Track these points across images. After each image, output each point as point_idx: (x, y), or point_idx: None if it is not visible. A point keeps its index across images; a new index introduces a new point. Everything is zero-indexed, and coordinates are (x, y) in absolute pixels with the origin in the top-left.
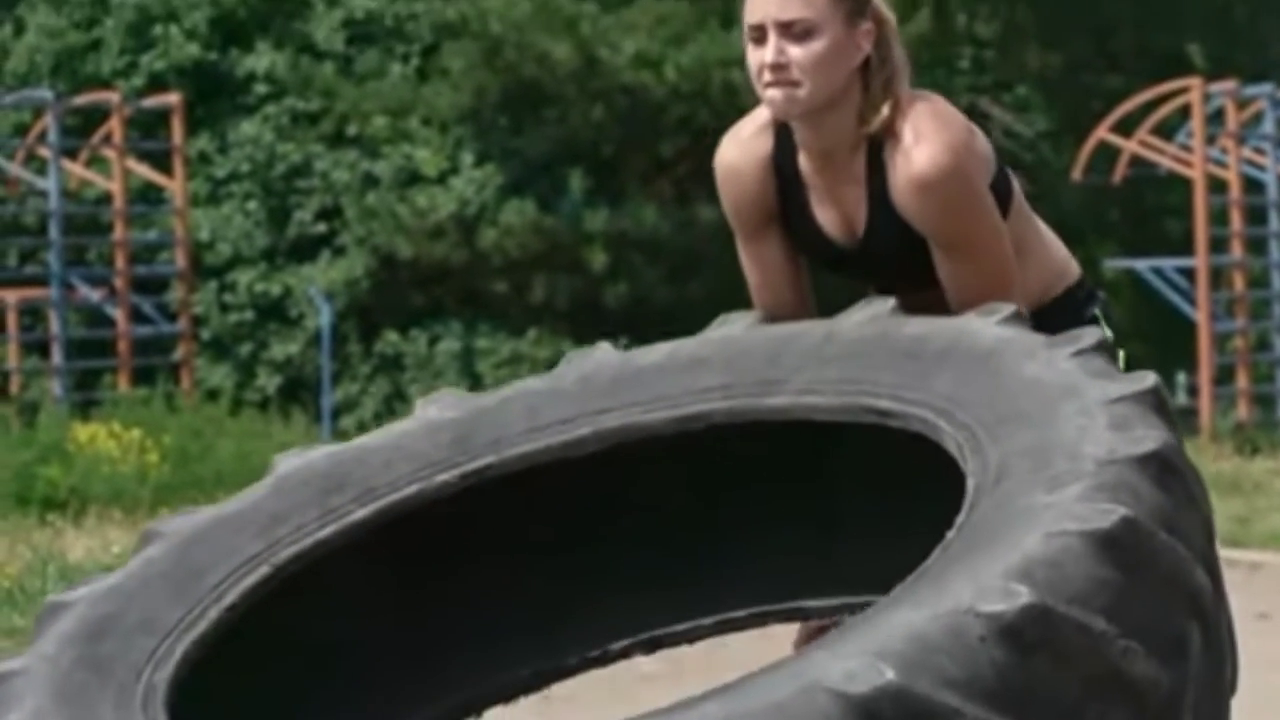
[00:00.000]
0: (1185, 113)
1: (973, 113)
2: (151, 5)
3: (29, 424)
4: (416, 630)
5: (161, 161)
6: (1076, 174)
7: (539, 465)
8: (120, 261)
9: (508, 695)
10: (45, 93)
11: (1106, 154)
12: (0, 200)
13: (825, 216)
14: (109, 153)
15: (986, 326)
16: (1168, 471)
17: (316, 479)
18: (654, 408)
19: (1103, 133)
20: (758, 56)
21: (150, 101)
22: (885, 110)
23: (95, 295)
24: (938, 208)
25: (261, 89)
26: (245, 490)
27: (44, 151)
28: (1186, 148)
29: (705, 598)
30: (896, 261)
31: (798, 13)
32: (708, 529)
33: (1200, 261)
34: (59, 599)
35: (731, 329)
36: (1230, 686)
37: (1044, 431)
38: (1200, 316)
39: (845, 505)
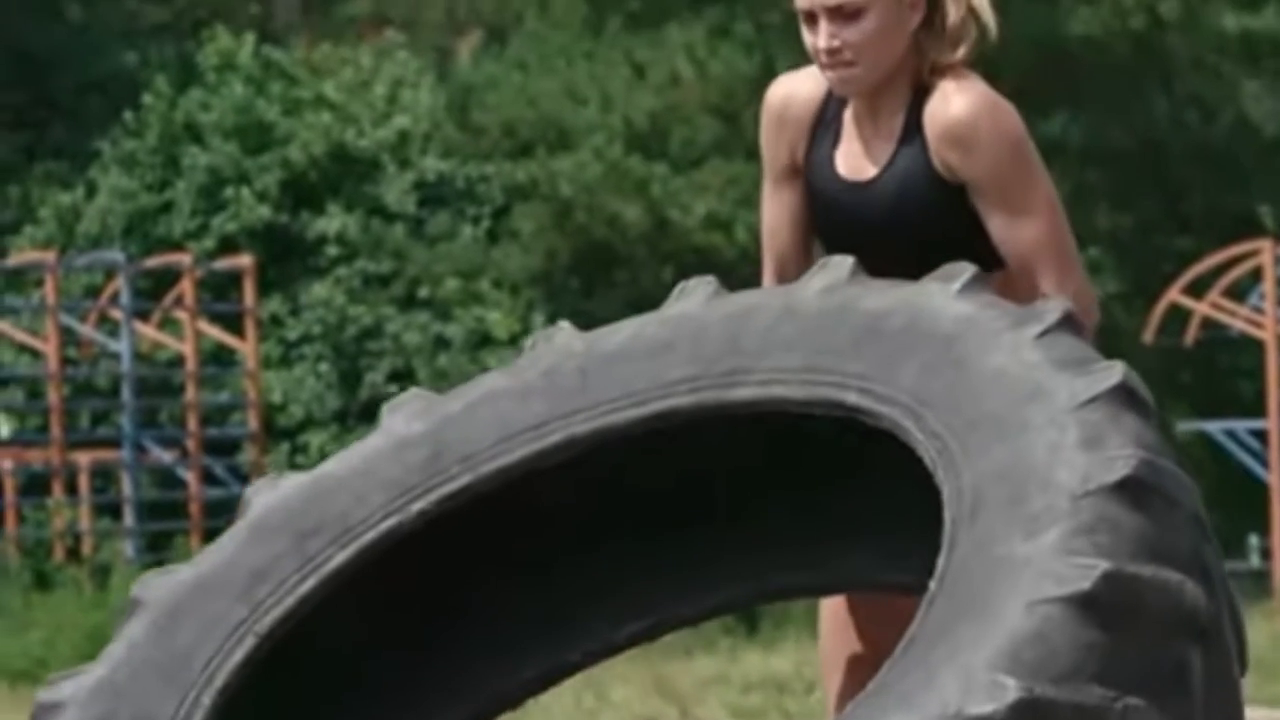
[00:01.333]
0: (1257, 275)
1: None
2: (223, 167)
3: (101, 586)
4: (413, 665)
5: (233, 323)
6: (1148, 336)
7: (514, 480)
8: (192, 423)
9: (513, 703)
10: (117, 255)
11: (1178, 316)
12: (72, 362)
13: (844, 156)
14: (181, 315)
15: (946, 302)
16: (1146, 490)
17: (292, 520)
18: (622, 405)
19: (1174, 295)
20: (811, 39)
21: (222, 263)
22: (936, 77)
23: (167, 457)
24: (980, 150)
25: (333, 251)
26: (223, 537)
27: (116, 313)
28: (1258, 310)
29: (703, 583)
30: (891, 217)
31: None
32: (690, 521)
33: (1273, 423)
34: (49, 698)
35: (690, 303)
36: (1241, 668)
37: (1014, 446)
38: (1273, 479)
39: (820, 491)
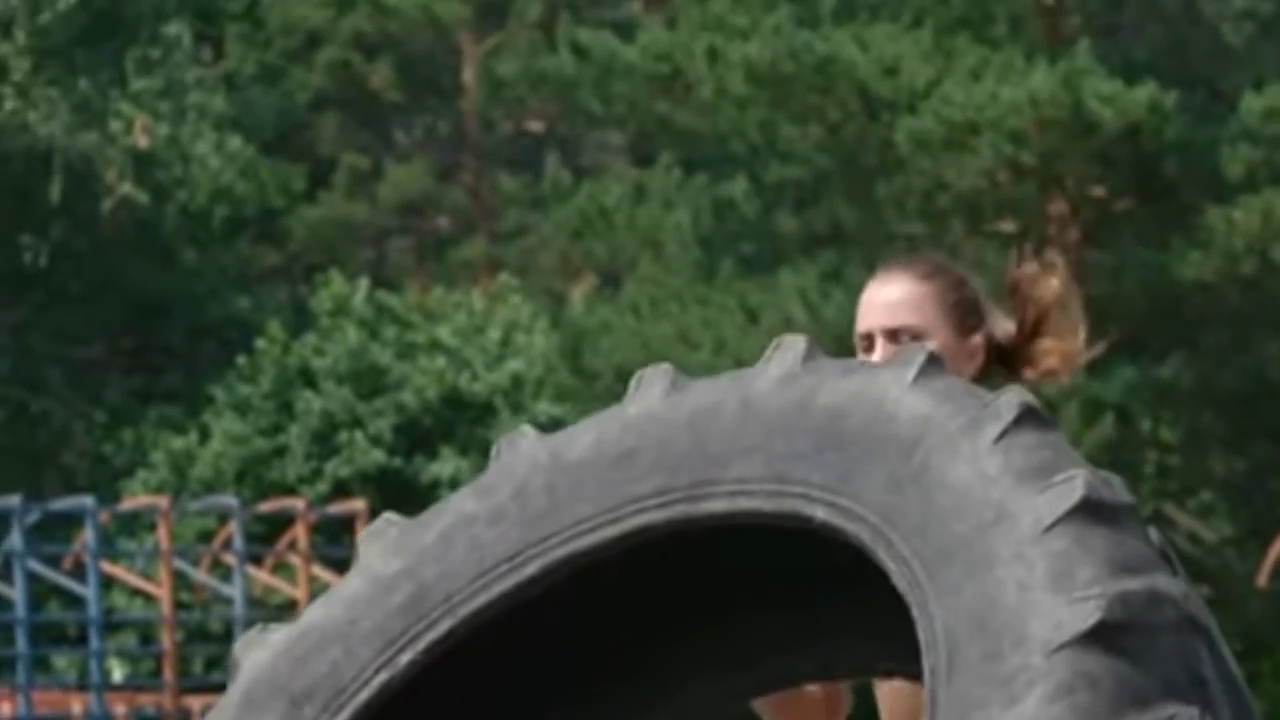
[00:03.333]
0: None
1: (1157, 519)
2: (336, 412)
3: None
4: None
5: (346, 568)
6: (1261, 580)
7: (496, 617)
8: None
9: None
10: (230, 499)
11: None
12: (186, 606)
13: None
14: (294, 559)
15: (902, 394)
16: (1122, 631)
17: (283, 684)
18: (595, 524)
19: None
20: None
21: (335, 508)
22: None
23: None
24: None
25: (447, 495)
26: (214, 711)
27: (229, 558)
28: None
29: (688, 696)
30: None
31: (905, 319)
32: (665, 636)
33: None
34: None
35: (650, 400)
36: None
37: (983, 586)
38: None
39: (792, 603)
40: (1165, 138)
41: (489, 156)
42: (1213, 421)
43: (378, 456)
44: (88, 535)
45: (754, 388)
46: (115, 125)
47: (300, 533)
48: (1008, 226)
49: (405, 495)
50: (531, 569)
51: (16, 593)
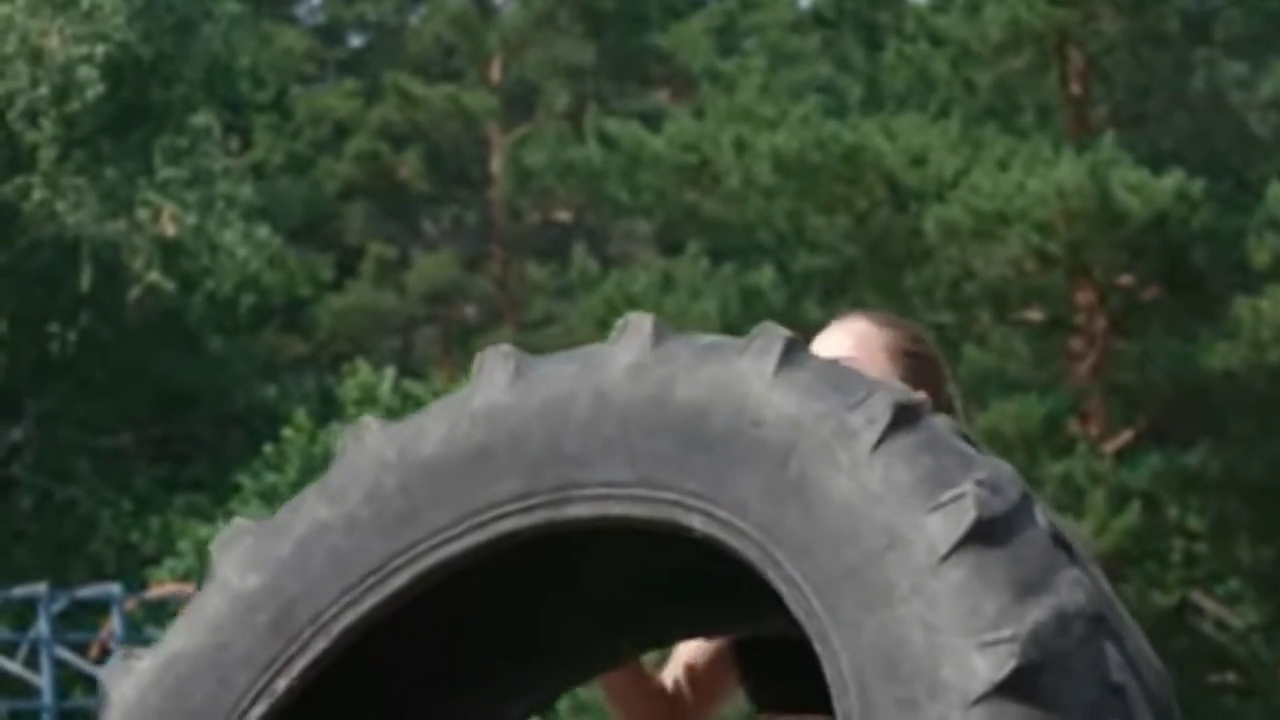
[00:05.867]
0: None
1: (1184, 606)
2: None
3: None
4: None
5: None
6: None
7: (369, 631)
8: None
9: None
10: None
11: None
12: None
13: None
14: None
15: (764, 392)
16: (1036, 672)
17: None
18: (459, 531)
19: None
20: None
21: None
22: None
23: None
24: None
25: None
26: None
27: None
28: None
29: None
30: None
31: (849, 355)
32: (532, 640)
33: None
34: None
35: (495, 389)
36: None
37: (887, 625)
38: None
39: (664, 602)
40: (1192, 227)
41: (516, 246)
42: (1239, 509)
43: None
44: (114, 623)
45: (605, 375)
46: (142, 214)
47: None
48: (1035, 315)
49: None
50: (399, 581)
51: (44, 680)
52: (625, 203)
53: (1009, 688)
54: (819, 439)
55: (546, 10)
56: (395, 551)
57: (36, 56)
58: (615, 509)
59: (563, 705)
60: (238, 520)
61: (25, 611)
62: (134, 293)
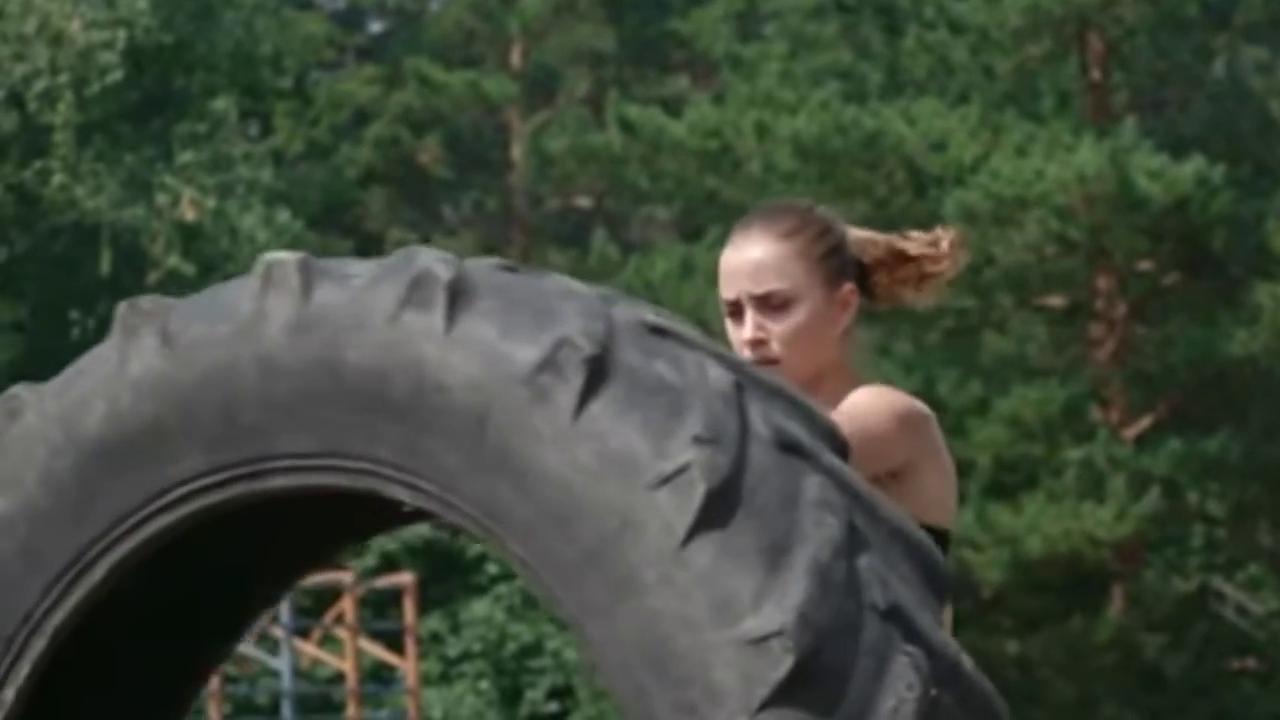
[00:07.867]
0: None
1: (1205, 591)
2: None
3: None
4: None
5: (394, 641)
6: None
7: (81, 624)
8: None
9: None
10: None
11: None
12: (233, 679)
13: None
14: (341, 633)
15: (441, 353)
16: (813, 657)
17: None
18: (151, 513)
19: None
20: (736, 333)
21: (383, 581)
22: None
23: None
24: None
25: (493, 569)
26: None
27: (276, 631)
28: None
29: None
30: None
31: (773, 284)
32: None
33: None
34: None
35: (147, 356)
36: None
37: (638, 615)
38: None
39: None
40: (1212, 212)
41: (537, 232)
42: (1260, 495)
43: (424, 530)
44: None
45: (261, 336)
46: (162, 199)
47: (348, 606)
48: (1055, 301)
49: (452, 568)
50: (100, 571)
51: None
52: (645, 188)
53: (791, 686)
54: (512, 407)
55: None
56: (90, 540)
57: (56, 39)
58: (313, 479)
59: (583, 693)
60: None
61: None
62: (154, 277)
